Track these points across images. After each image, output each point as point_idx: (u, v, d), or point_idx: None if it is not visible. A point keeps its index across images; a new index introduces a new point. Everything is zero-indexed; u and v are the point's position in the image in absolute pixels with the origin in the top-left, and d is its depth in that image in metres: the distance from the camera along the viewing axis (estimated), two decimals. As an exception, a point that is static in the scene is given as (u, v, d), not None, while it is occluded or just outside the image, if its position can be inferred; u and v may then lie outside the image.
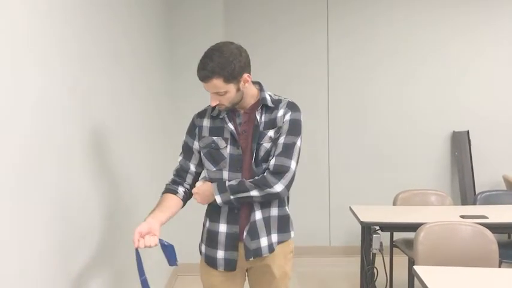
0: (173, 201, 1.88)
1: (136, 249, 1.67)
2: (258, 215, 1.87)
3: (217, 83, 1.72)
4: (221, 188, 1.82)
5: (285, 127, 1.85)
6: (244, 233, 1.87)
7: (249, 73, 1.81)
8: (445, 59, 4.64)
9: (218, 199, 1.81)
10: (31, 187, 1.56)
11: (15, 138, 1.47)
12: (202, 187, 1.88)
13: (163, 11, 3.88)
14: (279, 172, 1.80)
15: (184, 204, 1.94)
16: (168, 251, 1.71)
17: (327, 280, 4.04)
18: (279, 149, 1.82)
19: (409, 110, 4.67)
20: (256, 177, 1.82)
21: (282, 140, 1.83)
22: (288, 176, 1.81)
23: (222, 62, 1.71)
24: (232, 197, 1.80)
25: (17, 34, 1.49)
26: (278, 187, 1.79)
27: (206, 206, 1.99)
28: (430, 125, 4.67)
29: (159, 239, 1.68)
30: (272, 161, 1.82)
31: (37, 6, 1.63)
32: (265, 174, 1.81)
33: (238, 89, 1.79)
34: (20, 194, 1.49)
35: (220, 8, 4.14)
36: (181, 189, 1.92)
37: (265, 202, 1.87)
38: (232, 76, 1.73)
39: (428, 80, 4.65)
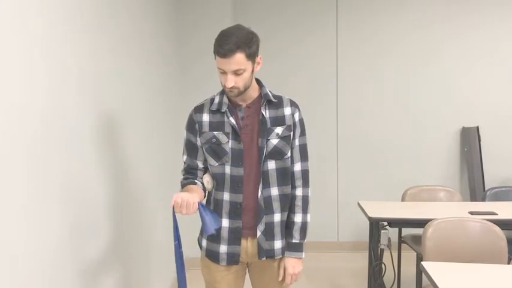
0: (196, 187, 1.87)
1: (174, 215, 1.68)
2: (277, 217, 1.90)
3: (240, 58, 1.70)
4: (300, 246, 1.94)
5: (298, 128, 1.91)
6: (258, 232, 1.87)
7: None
8: (455, 53, 4.60)
9: (303, 254, 1.95)
10: (43, 179, 1.57)
11: (27, 132, 1.48)
12: (295, 266, 1.94)
13: (172, 5, 3.88)
14: (306, 177, 1.95)
15: (205, 195, 1.95)
16: (206, 217, 1.67)
17: (335, 275, 4.05)
18: (299, 152, 1.93)
19: (418, 105, 4.64)
20: (298, 203, 1.92)
21: (297, 142, 1.92)
22: (309, 177, 1.97)
23: (244, 38, 1.71)
24: (305, 240, 1.95)
25: (28, 30, 1.50)
26: (308, 191, 1.96)
27: (205, 200, 1.99)
28: (439, 121, 4.64)
29: (199, 202, 1.66)
30: (298, 167, 1.93)
31: (49, 1, 1.64)
32: (300, 190, 1.93)
33: (252, 70, 1.78)
34: (32, 188, 1.51)
35: (229, 1, 4.13)
36: (197, 181, 1.91)
37: (285, 206, 1.92)
38: (252, 53, 1.73)
39: (438, 76, 4.61)
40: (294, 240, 1.92)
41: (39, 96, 1.57)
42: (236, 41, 1.68)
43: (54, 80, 1.68)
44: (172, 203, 1.63)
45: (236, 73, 1.72)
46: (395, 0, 4.61)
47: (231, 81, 1.73)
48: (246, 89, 1.80)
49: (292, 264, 1.92)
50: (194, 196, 1.68)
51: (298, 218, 1.92)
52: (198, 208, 1.66)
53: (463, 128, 4.62)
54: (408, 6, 4.60)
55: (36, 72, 1.55)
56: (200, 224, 1.99)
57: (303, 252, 1.94)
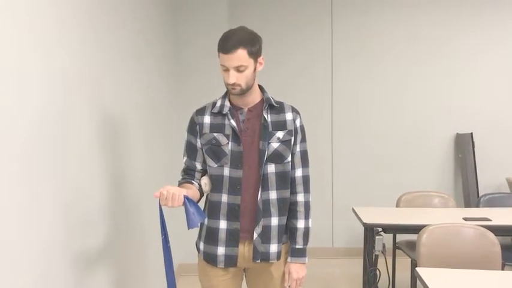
0: (191, 186, 1.88)
1: (160, 208, 1.68)
2: (274, 221, 1.91)
3: (242, 54, 1.74)
4: (303, 252, 1.95)
5: (299, 134, 1.94)
6: (255, 234, 1.88)
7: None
8: (449, 60, 4.63)
9: (307, 259, 1.97)
10: (37, 178, 1.57)
11: (22, 130, 1.48)
12: (298, 272, 1.95)
13: (169, 13, 3.89)
14: (307, 183, 1.98)
15: (202, 195, 1.94)
16: (190, 209, 1.65)
17: (330, 281, 4.04)
18: (300, 158, 1.95)
19: (412, 111, 4.67)
20: (300, 208, 1.95)
21: (298, 148, 1.94)
22: (309, 182, 2.00)
23: (247, 36, 1.78)
24: (307, 245, 1.97)
25: (24, 34, 1.51)
26: (309, 197, 1.99)
27: (204, 202, 1.99)
28: (433, 127, 4.66)
29: (185, 195, 1.65)
30: (299, 173, 1.95)
31: (45, 9, 1.64)
32: (302, 196, 1.95)
33: (254, 69, 1.82)
34: (26, 187, 1.50)
35: (225, 10, 4.15)
36: (195, 182, 1.92)
37: (283, 211, 1.93)
38: (254, 52, 1.78)
39: (432, 82, 4.65)
40: (297, 246, 1.94)
41: (34, 96, 1.57)
42: (239, 38, 1.74)
43: (50, 81, 1.68)
44: (158, 195, 1.63)
45: (238, 69, 1.76)
46: (389, 8, 4.64)
47: (233, 77, 1.77)
48: (248, 88, 1.83)
49: (297, 269, 1.94)
50: (181, 189, 1.69)
51: (300, 224, 1.94)
52: (184, 201, 1.64)
53: (457, 134, 4.65)
54: (402, 14, 4.63)
55: (31, 73, 1.55)
56: (197, 228, 2.00)
57: (306, 257, 1.96)
